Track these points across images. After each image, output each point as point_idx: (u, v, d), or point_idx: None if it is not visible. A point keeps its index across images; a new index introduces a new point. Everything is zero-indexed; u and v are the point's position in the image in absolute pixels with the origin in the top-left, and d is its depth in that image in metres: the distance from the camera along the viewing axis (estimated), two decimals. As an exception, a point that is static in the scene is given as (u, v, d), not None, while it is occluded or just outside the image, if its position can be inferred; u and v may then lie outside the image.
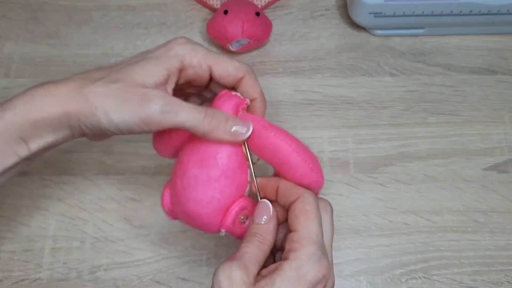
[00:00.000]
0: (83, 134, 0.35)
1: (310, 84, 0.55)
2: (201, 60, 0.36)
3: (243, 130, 0.35)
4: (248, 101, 0.37)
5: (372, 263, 0.47)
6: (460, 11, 0.53)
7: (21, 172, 0.35)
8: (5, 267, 0.46)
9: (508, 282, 0.46)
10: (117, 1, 0.60)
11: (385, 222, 0.48)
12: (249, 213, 0.36)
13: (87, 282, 0.46)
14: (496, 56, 0.57)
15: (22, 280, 0.46)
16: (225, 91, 0.37)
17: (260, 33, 0.54)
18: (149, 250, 0.47)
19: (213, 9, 0.59)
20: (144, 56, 0.35)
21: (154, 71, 0.34)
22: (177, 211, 0.37)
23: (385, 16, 0.54)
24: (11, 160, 0.33)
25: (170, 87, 0.35)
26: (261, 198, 0.37)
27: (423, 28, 0.57)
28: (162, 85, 0.34)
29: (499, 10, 0.53)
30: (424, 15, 0.53)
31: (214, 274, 0.31)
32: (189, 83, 0.38)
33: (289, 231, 0.34)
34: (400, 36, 0.58)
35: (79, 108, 0.32)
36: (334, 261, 0.46)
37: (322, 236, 0.33)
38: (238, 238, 0.36)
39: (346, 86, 0.55)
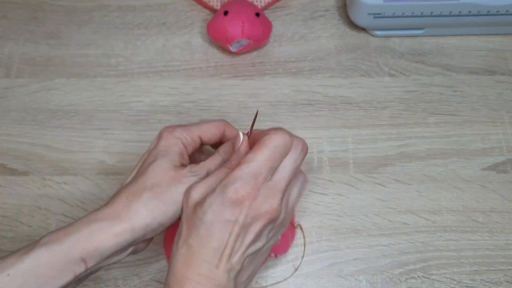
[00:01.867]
0: (133, 244, 0.36)
1: (310, 84, 0.55)
2: (190, 134, 0.39)
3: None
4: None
5: (372, 263, 0.47)
6: (459, 12, 0.53)
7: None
8: (6, 267, 0.47)
9: (507, 281, 0.46)
10: (117, 2, 0.60)
11: (384, 222, 0.48)
12: None
13: (88, 282, 0.46)
14: (495, 56, 0.57)
15: (23, 279, 0.46)
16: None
17: (260, 34, 0.54)
18: (149, 249, 0.47)
19: (213, 10, 0.59)
20: (153, 156, 0.38)
21: (170, 162, 0.37)
22: None
23: (384, 17, 0.54)
24: (67, 278, 0.34)
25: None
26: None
27: (423, 28, 0.57)
28: (182, 164, 0.38)
29: (498, 11, 0.53)
30: (423, 16, 0.54)
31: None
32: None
33: None
34: (399, 37, 0.58)
35: (133, 224, 0.35)
36: (334, 261, 0.47)
37: (268, 171, 0.34)
38: None
39: (345, 86, 0.55)
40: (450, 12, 0.53)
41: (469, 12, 0.53)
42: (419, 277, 0.46)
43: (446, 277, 0.46)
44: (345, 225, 0.48)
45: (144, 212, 0.35)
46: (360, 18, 0.55)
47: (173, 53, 0.57)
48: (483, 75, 0.56)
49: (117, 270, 0.46)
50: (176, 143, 0.38)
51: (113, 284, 0.46)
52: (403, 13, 0.53)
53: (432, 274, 0.46)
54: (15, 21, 0.59)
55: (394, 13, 0.53)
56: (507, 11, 0.53)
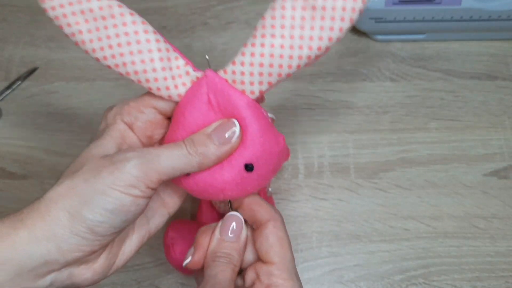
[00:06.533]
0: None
1: (311, 89, 0.55)
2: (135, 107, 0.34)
3: (232, 130, 0.31)
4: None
5: (373, 269, 0.46)
6: (461, 17, 0.53)
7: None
8: (4, 272, 0.46)
9: (509, 288, 0.46)
10: (118, 5, 0.60)
11: (385, 227, 0.48)
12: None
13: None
14: (497, 61, 0.57)
15: (21, 284, 0.46)
16: None
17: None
18: (148, 254, 0.47)
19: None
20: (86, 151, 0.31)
21: (105, 143, 0.31)
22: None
23: (386, 21, 0.54)
24: None
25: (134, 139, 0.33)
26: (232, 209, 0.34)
27: (424, 33, 0.57)
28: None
29: (499, 16, 0.53)
30: (425, 21, 0.54)
31: None
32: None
33: (260, 258, 0.32)
34: (401, 42, 0.58)
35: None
36: (334, 267, 0.47)
37: (294, 262, 0.33)
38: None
39: (346, 91, 0.55)
40: (452, 17, 0.53)
41: (471, 17, 0.53)
42: (420, 283, 0.46)
43: (447, 284, 0.46)
44: (345, 231, 0.48)
45: None
46: (362, 23, 0.55)
47: (173, 57, 0.57)
48: (485, 80, 0.55)
49: (115, 276, 0.46)
50: (115, 116, 0.32)
51: (112, 289, 0.46)
52: (405, 17, 0.53)
53: (433, 281, 0.46)
54: (15, 24, 0.59)
55: (395, 18, 0.53)
56: (509, 16, 0.53)
